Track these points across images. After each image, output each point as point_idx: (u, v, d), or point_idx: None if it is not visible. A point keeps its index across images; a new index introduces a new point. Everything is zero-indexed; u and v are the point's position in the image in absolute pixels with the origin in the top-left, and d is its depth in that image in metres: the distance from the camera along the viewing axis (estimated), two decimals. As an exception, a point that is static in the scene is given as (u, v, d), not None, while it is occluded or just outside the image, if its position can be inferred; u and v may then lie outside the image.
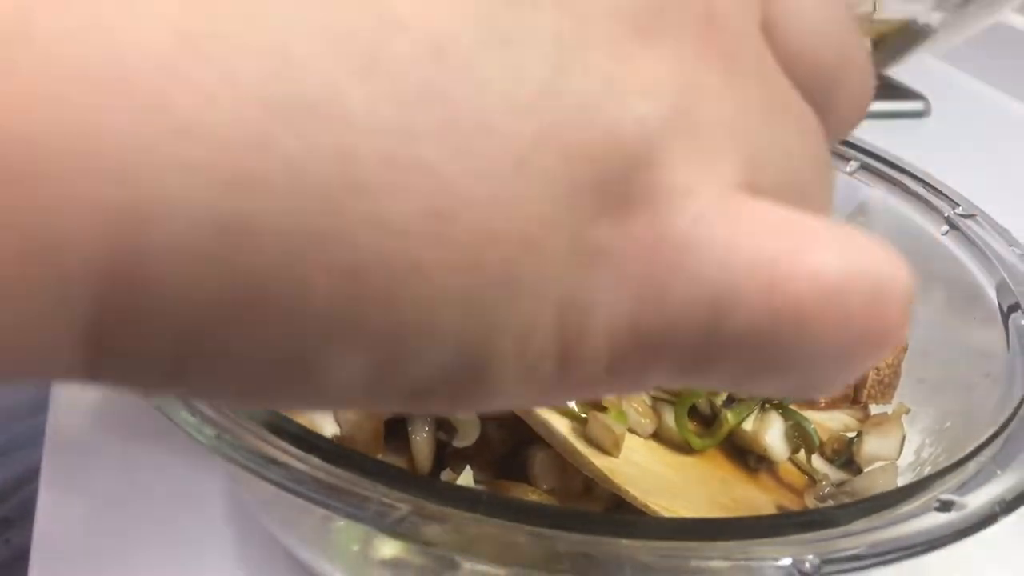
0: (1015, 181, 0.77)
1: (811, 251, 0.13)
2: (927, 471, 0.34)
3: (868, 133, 0.67)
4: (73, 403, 0.45)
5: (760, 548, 0.24)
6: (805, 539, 0.25)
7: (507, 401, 0.13)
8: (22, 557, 0.38)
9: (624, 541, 0.24)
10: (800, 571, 0.24)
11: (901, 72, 0.89)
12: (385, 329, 0.12)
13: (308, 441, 0.26)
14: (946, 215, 0.42)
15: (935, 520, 0.26)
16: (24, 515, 0.43)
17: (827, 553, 0.24)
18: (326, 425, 0.33)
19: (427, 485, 0.25)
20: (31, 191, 0.10)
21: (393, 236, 0.11)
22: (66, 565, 0.38)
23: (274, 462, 0.24)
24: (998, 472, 0.28)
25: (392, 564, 0.32)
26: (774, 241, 0.13)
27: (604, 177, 0.12)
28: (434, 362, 0.12)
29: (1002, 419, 0.30)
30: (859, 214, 0.49)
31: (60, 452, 0.42)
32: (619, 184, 0.12)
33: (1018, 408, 0.30)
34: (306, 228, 0.11)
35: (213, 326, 0.11)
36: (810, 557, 0.24)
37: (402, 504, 0.24)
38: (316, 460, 0.25)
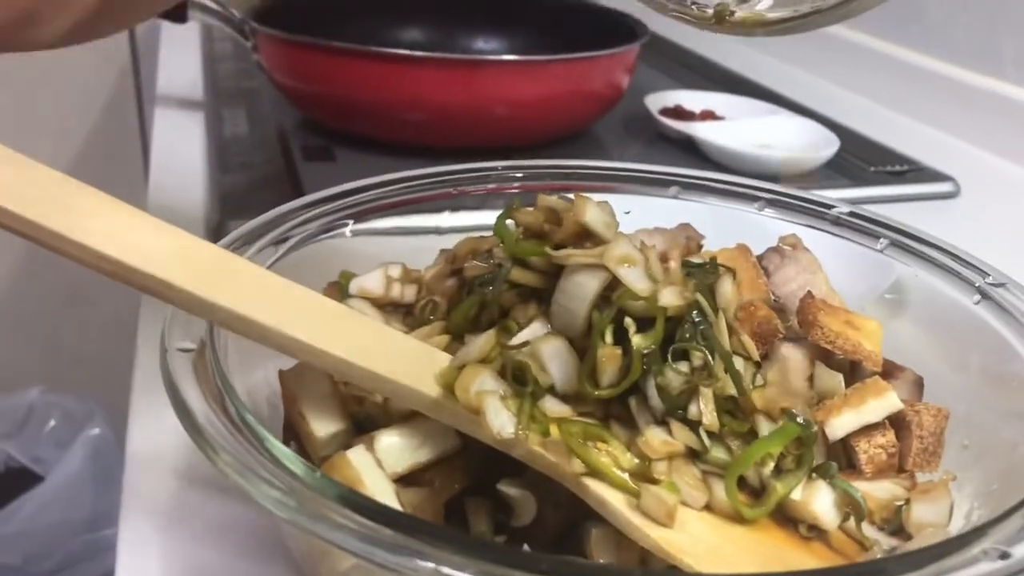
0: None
1: None
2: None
3: (898, 216, 0.69)
4: (143, 506, 0.46)
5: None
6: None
7: None
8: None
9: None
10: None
11: (928, 154, 0.92)
12: None
13: (377, 511, 0.27)
14: (977, 285, 0.44)
15: (984, 569, 0.27)
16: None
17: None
18: (391, 504, 0.35)
19: (495, 549, 0.27)
20: None
21: None
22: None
23: (348, 530, 0.26)
24: (1043, 523, 0.29)
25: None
26: None
27: None
28: None
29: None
30: (894, 291, 0.50)
31: (133, 554, 0.44)
32: None
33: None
34: None
35: None
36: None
37: (467, 568, 0.26)
38: (387, 531, 0.26)
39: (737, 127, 0.91)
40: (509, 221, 0.41)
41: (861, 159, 0.88)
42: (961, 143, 1.00)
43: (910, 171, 0.88)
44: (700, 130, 0.89)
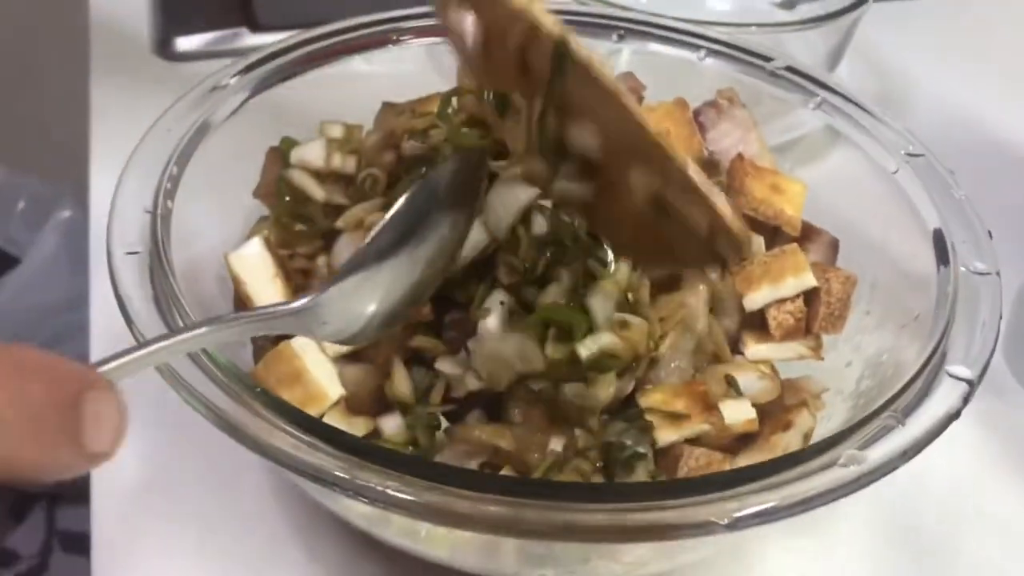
0: (1006, 64, 0.78)
1: None
2: (862, 404, 0.39)
3: (861, 23, 0.67)
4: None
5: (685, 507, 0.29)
6: (724, 496, 0.30)
7: None
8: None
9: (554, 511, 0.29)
10: (719, 525, 0.29)
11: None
12: None
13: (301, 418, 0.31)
14: (901, 152, 0.45)
15: (839, 474, 0.31)
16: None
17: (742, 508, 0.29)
18: (332, 388, 0.38)
19: (408, 461, 0.30)
20: None
21: None
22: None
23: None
24: (900, 425, 0.32)
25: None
26: None
27: None
28: None
29: (912, 373, 0.35)
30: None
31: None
32: None
33: (924, 366, 0.35)
34: None
35: None
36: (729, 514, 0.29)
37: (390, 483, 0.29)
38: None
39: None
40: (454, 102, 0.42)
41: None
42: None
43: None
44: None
